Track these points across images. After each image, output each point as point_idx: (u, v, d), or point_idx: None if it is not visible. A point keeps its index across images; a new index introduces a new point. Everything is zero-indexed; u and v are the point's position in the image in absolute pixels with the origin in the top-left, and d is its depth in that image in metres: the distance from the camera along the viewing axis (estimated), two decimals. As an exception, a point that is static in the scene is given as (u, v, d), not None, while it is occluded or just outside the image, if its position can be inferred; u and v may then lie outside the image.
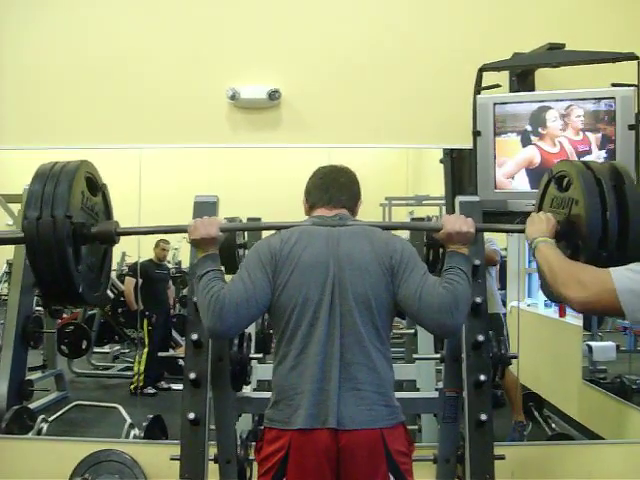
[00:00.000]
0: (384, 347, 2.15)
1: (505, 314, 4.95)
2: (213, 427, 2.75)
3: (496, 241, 4.82)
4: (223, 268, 2.26)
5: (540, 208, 2.41)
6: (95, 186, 2.40)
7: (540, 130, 3.22)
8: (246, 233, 3.72)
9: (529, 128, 3.22)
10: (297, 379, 2.08)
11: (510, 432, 4.57)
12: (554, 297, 2.45)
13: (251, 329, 3.33)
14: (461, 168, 3.77)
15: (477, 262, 2.68)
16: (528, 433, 4.63)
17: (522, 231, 2.29)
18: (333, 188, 2.28)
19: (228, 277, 2.21)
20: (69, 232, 2.14)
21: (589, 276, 1.79)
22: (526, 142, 3.23)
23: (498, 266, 5.12)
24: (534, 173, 3.18)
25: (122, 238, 2.44)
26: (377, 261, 2.12)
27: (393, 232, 2.33)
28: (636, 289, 1.68)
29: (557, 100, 3.21)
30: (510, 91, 3.52)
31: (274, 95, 3.83)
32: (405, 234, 3.61)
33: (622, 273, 1.72)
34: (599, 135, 3.16)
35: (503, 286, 5.41)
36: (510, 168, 3.25)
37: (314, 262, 2.10)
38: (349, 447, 2.03)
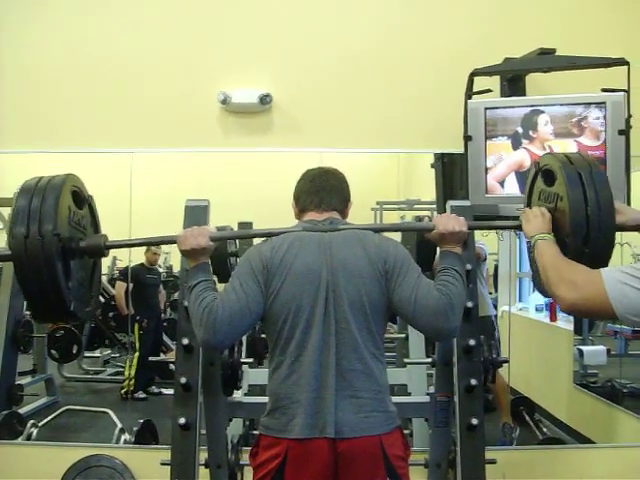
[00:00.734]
0: (379, 352, 2.14)
1: (496, 316, 4.96)
2: (204, 432, 2.75)
3: (487, 246, 4.83)
4: (216, 278, 2.25)
5: (529, 201, 2.41)
6: (81, 199, 2.36)
7: (531, 133, 3.22)
8: (237, 241, 3.70)
9: (520, 130, 3.23)
10: (293, 388, 2.07)
11: (500, 436, 4.58)
12: (546, 293, 2.45)
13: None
14: (452, 172, 3.77)
15: (468, 267, 2.68)
16: (518, 437, 4.63)
17: (513, 227, 2.29)
18: (323, 191, 2.27)
19: (220, 286, 2.20)
20: (58, 250, 2.10)
21: (580, 277, 1.78)
22: (517, 145, 3.23)
23: (490, 270, 5.14)
24: (524, 177, 3.18)
25: (113, 242, 2.43)
26: (371, 266, 2.10)
27: (385, 234, 2.33)
28: (626, 290, 1.66)
29: (548, 105, 3.21)
30: (501, 96, 3.52)
31: (265, 99, 3.82)
32: (397, 238, 3.61)
33: (612, 275, 1.71)
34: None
35: (495, 289, 5.43)
36: (500, 171, 3.25)
37: (306, 269, 2.09)
38: (348, 454, 2.02)
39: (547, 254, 1.98)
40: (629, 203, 3.10)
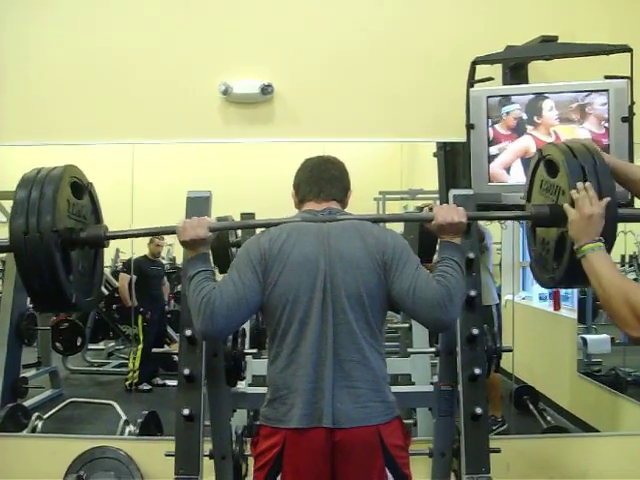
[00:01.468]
0: (377, 343, 2.14)
1: (499, 304, 4.94)
2: (208, 423, 2.75)
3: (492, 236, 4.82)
4: (217, 268, 2.25)
5: (531, 188, 2.40)
6: (81, 189, 2.36)
7: (535, 119, 3.21)
8: (239, 231, 3.70)
9: (524, 117, 3.21)
10: (290, 378, 2.08)
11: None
12: (547, 285, 2.43)
13: (245, 325, 3.32)
14: (455, 161, 3.77)
15: (471, 255, 2.68)
16: (522, 425, 4.63)
17: (514, 218, 2.27)
18: (322, 180, 2.26)
19: (221, 276, 2.20)
20: (57, 245, 2.12)
21: None
22: (521, 131, 3.22)
23: (496, 260, 5.12)
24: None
25: (116, 234, 2.43)
26: (369, 257, 2.10)
27: (387, 225, 2.32)
28: None
29: (550, 92, 3.20)
30: (503, 84, 3.51)
31: (267, 90, 3.82)
32: (399, 227, 3.60)
33: None
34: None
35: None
36: (506, 157, 3.24)
37: (304, 260, 2.09)
38: (344, 444, 2.03)
39: (602, 274, 1.79)
40: (632, 191, 3.09)
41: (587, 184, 1.99)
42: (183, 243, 2.23)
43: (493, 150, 3.23)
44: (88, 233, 2.31)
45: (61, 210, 2.17)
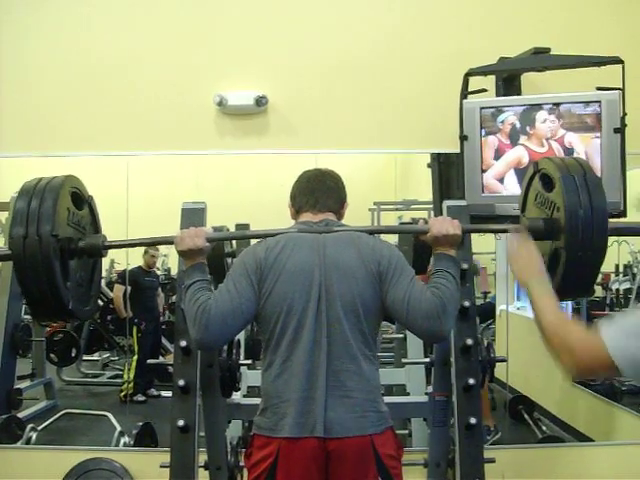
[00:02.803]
0: (371, 353, 2.15)
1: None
2: (203, 434, 2.75)
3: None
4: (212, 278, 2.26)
5: (525, 200, 2.42)
6: (81, 200, 2.39)
7: (528, 130, 3.23)
8: (234, 241, 3.71)
9: (518, 126, 3.23)
10: (283, 387, 2.09)
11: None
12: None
13: (240, 335, 3.33)
14: (449, 172, 3.78)
15: (465, 266, 2.69)
16: (518, 435, 4.63)
17: (508, 231, 2.30)
18: (319, 192, 2.28)
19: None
20: (56, 249, 2.14)
21: (580, 345, 1.65)
22: (515, 141, 3.24)
23: (491, 270, 5.13)
24: (523, 173, 3.17)
25: (111, 245, 2.44)
26: (364, 267, 2.11)
27: (382, 236, 2.33)
28: (637, 356, 1.53)
29: (543, 104, 3.22)
30: (496, 95, 3.53)
31: (261, 101, 3.83)
32: (393, 239, 3.62)
33: (616, 337, 1.57)
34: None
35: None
36: (500, 168, 3.26)
37: (299, 270, 2.10)
38: (338, 454, 2.03)
39: (543, 308, 1.84)
40: (625, 201, 3.11)
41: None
42: (181, 253, 2.24)
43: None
44: (86, 242, 2.34)
45: (61, 217, 2.20)
